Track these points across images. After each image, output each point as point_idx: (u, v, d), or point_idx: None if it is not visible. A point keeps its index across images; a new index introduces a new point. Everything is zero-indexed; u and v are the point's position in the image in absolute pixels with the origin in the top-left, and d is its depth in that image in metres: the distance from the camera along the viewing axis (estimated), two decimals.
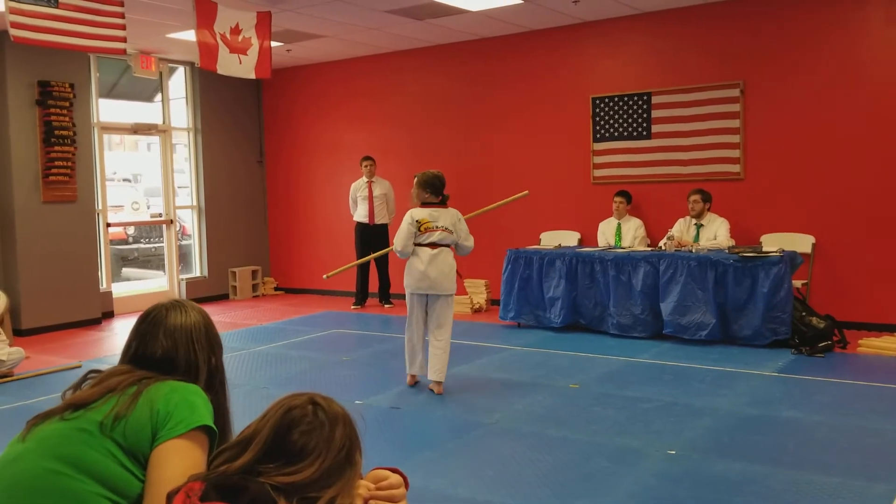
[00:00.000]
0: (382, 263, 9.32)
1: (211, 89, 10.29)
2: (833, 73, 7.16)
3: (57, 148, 8.46)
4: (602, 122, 8.35)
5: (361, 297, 9.46)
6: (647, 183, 8.14)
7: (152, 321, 1.90)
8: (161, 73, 9.80)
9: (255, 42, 7.11)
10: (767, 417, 4.72)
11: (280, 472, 1.42)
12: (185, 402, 1.66)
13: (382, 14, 7.71)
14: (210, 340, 1.92)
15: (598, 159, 8.42)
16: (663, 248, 7.24)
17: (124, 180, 11.84)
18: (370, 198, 9.21)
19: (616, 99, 8.25)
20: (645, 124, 8.09)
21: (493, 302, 8.85)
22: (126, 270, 11.19)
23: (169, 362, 1.82)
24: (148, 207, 10.82)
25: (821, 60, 7.21)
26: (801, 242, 7.28)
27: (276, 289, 10.98)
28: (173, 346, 1.84)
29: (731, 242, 7.22)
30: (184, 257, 10.47)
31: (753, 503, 3.48)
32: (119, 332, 8.24)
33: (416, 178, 5.59)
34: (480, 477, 3.89)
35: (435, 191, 5.52)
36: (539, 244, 8.54)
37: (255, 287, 10.76)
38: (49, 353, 7.24)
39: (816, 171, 7.29)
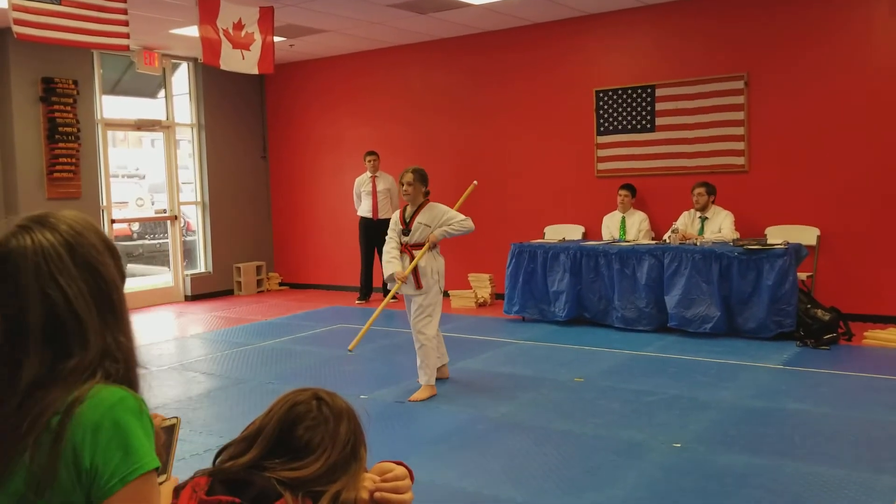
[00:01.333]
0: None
1: (214, 85, 10.29)
2: (837, 65, 7.13)
3: (61, 144, 8.48)
4: (606, 115, 8.34)
5: (365, 291, 9.47)
6: (651, 176, 8.12)
7: (3, 269, 1.26)
8: (164, 69, 9.80)
9: (257, 37, 7.10)
10: (773, 410, 4.72)
11: (285, 467, 1.42)
12: (114, 440, 1.20)
13: (385, 8, 7.70)
14: (84, 260, 1.29)
15: (602, 152, 8.40)
16: (668, 241, 7.23)
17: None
18: (374, 192, 9.21)
19: (620, 92, 8.23)
20: (649, 117, 8.07)
21: (497, 296, 8.84)
22: (131, 267, 11.22)
23: (46, 326, 1.24)
24: (152, 203, 10.85)
25: (825, 52, 7.18)
26: (806, 235, 7.26)
27: (280, 284, 11.00)
28: (39, 300, 1.24)
29: (736, 235, 7.20)
30: (188, 253, 10.48)
31: (759, 496, 3.48)
32: None
33: (414, 174, 5.34)
34: (486, 470, 3.90)
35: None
36: (543, 238, 8.53)
37: (259, 282, 10.77)
38: None
39: (821, 163, 7.27)
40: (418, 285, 5.29)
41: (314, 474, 1.42)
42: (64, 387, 1.22)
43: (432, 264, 5.32)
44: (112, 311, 1.31)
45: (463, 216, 5.39)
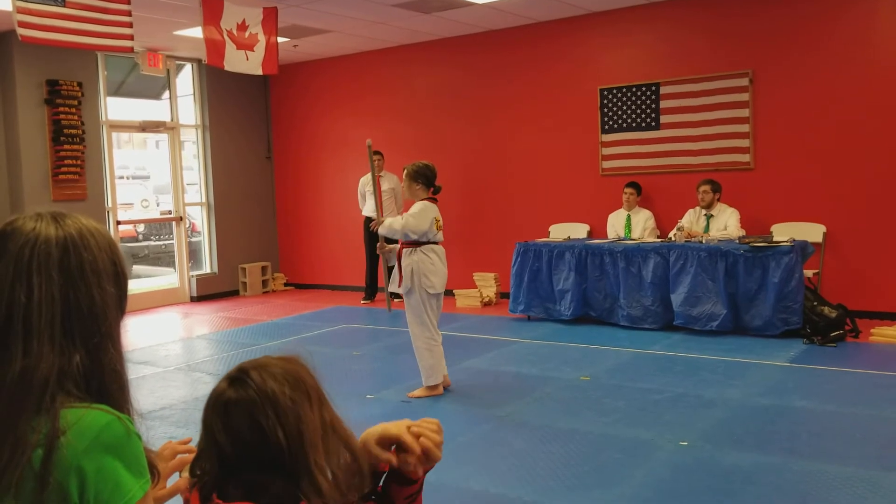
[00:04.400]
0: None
1: (218, 86, 10.30)
2: (843, 61, 7.11)
3: (66, 146, 8.50)
4: (610, 114, 8.32)
5: (371, 291, 9.47)
6: (657, 174, 8.10)
7: None
8: (168, 71, 9.81)
9: (261, 38, 7.11)
10: (780, 408, 4.70)
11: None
12: (102, 473, 1.14)
13: (389, 8, 7.70)
14: (73, 269, 1.19)
15: (607, 151, 8.39)
16: (673, 238, 7.22)
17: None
18: (378, 193, 9.18)
19: (624, 90, 8.21)
20: (654, 115, 8.05)
21: (502, 295, 8.83)
22: (136, 268, 11.25)
23: (3, 322, 1.16)
24: (157, 205, 10.87)
25: (830, 48, 7.16)
26: (812, 232, 7.24)
27: (285, 284, 11.00)
28: (8, 290, 1.16)
29: (742, 233, 7.18)
30: (194, 254, 10.50)
31: (766, 493, 3.47)
32: (130, 330, 8.27)
33: (405, 171, 5.30)
34: (493, 470, 3.89)
35: (428, 182, 5.27)
36: (548, 237, 8.52)
37: (264, 283, 10.78)
38: None
39: (827, 159, 7.24)
40: (399, 283, 5.23)
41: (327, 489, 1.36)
42: (25, 405, 1.13)
43: (407, 261, 5.17)
44: (91, 333, 1.20)
45: (409, 220, 5.10)
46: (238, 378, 1.38)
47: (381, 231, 5.25)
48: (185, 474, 1.47)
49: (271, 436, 1.31)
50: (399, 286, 5.24)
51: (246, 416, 1.33)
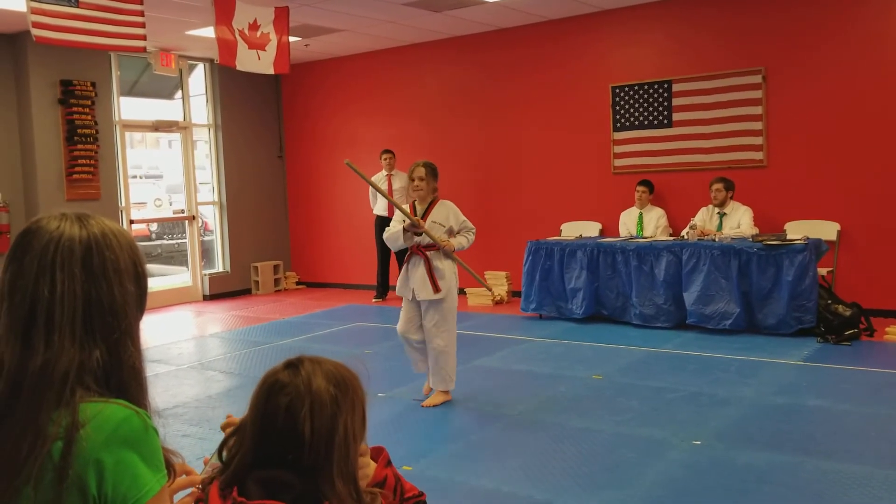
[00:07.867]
0: (402, 258, 9.31)
1: (230, 85, 10.33)
2: (857, 58, 7.05)
3: (80, 146, 8.56)
4: (622, 111, 8.29)
5: (382, 290, 9.48)
6: (669, 172, 8.07)
7: (21, 245, 1.23)
8: (181, 71, 9.85)
9: (273, 37, 7.12)
10: (794, 406, 4.68)
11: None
12: (120, 467, 1.15)
13: (400, 7, 7.70)
14: (95, 267, 1.22)
15: (619, 149, 8.36)
16: (686, 237, 7.19)
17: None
18: (390, 191, 9.21)
19: (636, 87, 8.18)
20: (666, 112, 8.02)
21: (514, 294, 8.83)
22: (149, 267, 11.29)
23: (28, 316, 1.19)
24: (170, 204, 10.92)
25: (843, 45, 7.10)
26: (826, 230, 7.19)
27: (297, 283, 11.03)
28: (32, 285, 1.20)
29: (755, 231, 7.15)
30: (206, 253, 10.54)
31: (780, 493, 3.45)
32: (144, 329, 8.30)
33: (426, 168, 5.05)
34: (504, 468, 3.89)
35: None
36: (560, 235, 8.51)
37: (277, 281, 10.81)
38: None
39: (841, 156, 7.19)
40: (436, 289, 4.96)
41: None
42: (46, 397, 1.15)
43: (449, 264, 5.04)
44: (111, 330, 1.22)
45: (472, 225, 5.14)
46: (293, 364, 1.41)
47: (458, 248, 5.05)
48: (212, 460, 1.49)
49: (299, 427, 1.33)
50: (437, 291, 4.96)
51: (286, 401, 1.35)
